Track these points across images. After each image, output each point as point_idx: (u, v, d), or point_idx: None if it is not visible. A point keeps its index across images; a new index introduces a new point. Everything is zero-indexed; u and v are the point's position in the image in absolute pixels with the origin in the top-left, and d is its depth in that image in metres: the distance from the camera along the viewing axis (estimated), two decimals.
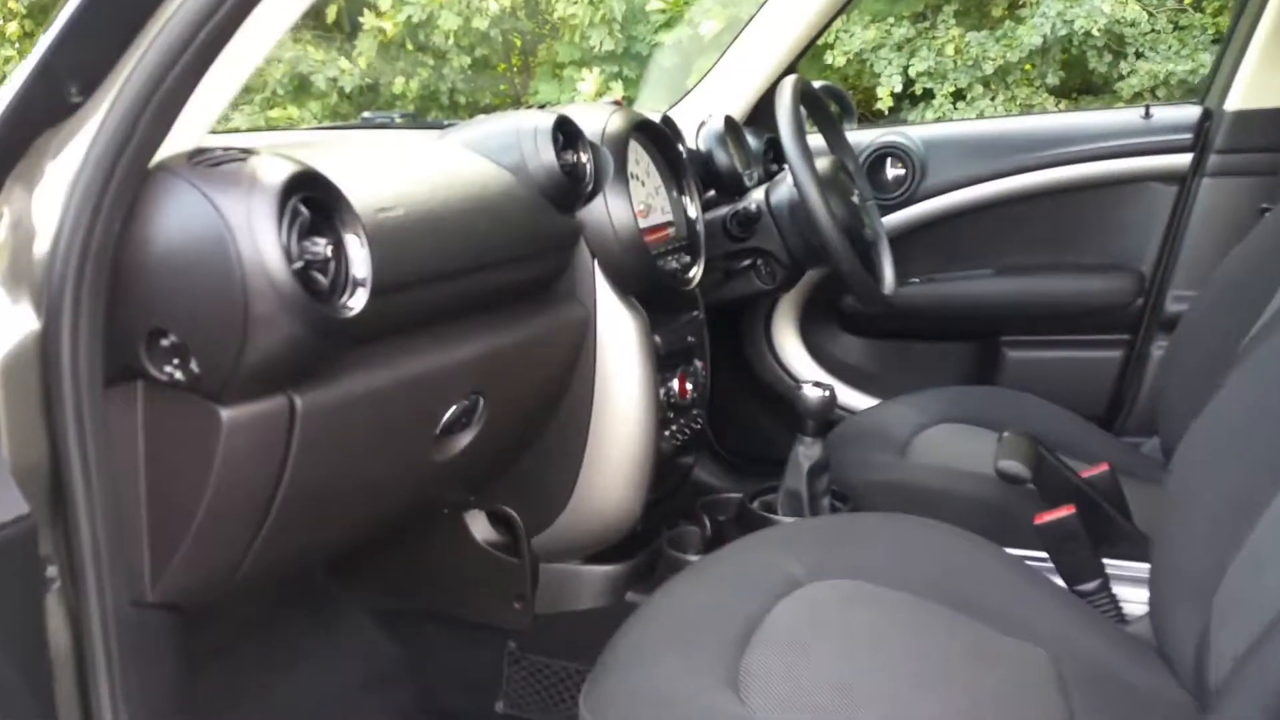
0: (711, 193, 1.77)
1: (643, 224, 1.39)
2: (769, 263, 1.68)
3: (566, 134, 1.26)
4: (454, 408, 1.11)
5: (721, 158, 1.68)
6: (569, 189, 1.23)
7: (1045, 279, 2.02)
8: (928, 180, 2.01)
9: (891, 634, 1.06)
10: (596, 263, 1.32)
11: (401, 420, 1.04)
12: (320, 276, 0.83)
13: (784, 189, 1.66)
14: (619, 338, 1.33)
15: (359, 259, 0.87)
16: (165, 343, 0.82)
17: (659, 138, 1.47)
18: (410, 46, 5.97)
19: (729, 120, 1.75)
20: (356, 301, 0.86)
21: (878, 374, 2.14)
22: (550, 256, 1.25)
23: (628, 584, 1.47)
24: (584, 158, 1.28)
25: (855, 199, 1.65)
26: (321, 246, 0.83)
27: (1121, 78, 5.73)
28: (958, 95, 5.98)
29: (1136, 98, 5.56)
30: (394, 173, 1.08)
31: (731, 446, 2.24)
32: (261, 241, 0.78)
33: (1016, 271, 2.03)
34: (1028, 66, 5.93)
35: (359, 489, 1.04)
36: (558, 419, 1.36)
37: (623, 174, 1.30)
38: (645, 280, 1.34)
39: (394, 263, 0.95)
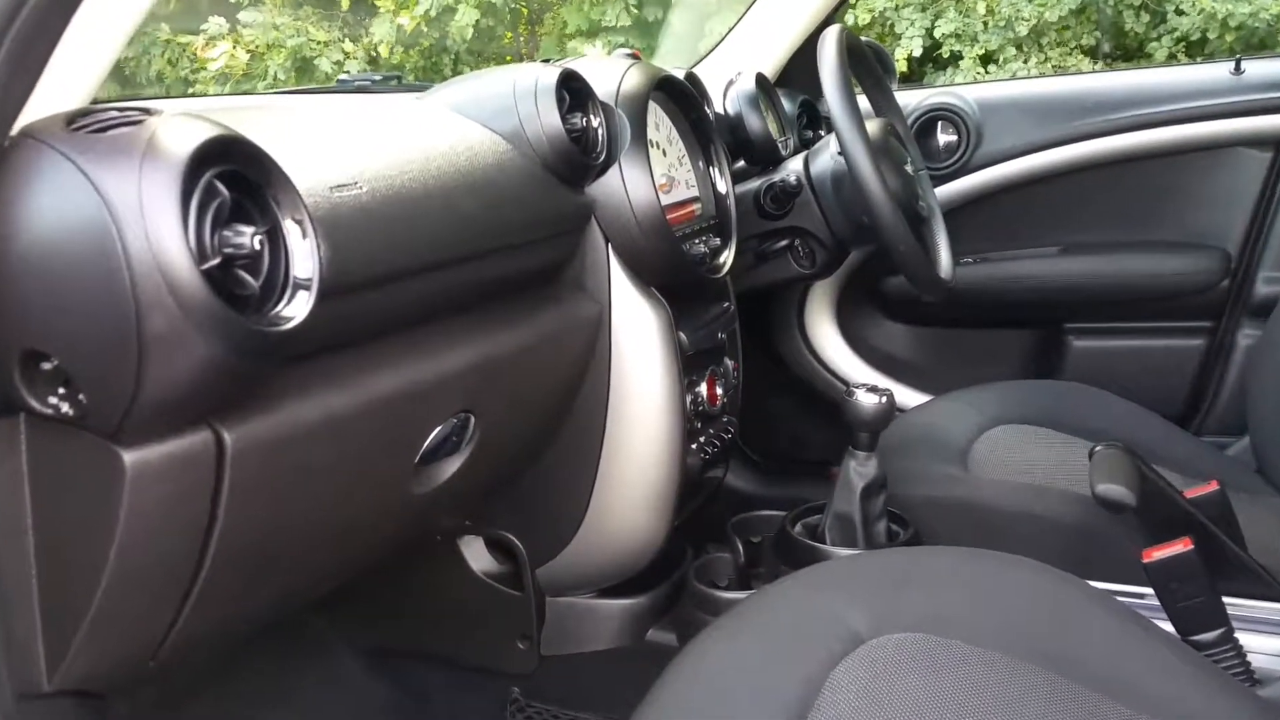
0: (741, 163, 1.56)
1: (664, 201, 1.18)
2: (808, 244, 1.47)
3: (574, 93, 1.05)
4: (438, 430, 0.91)
5: (754, 122, 1.47)
6: (577, 159, 1.02)
7: (1117, 258, 1.80)
8: (983, 147, 1.79)
9: (978, 704, 0.86)
10: (611, 248, 1.11)
11: (370, 450, 0.85)
12: (247, 278, 0.63)
13: (826, 158, 1.44)
14: (638, 337, 1.13)
15: (301, 252, 0.66)
16: (46, 367, 0.62)
17: (683, 98, 1.26)
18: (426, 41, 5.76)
19: (761, 79, 1.53)
20: (297, 309, 0.65)
21: (926, 367, 1.93)
22: (554, 242, 1.04)
23: (649, 620, 1.28)
24: (595, 121, 1.07)
25: (909, 168, 1.43)
26: (247, 237, 0.62)
27: (1158, 38, 5.45)
28: (986, 59, 5.72)
29: (1181, 47, 5.27)
30: (357, 141, 0.88)
31: (761, 449, 2.05)
32: (158, 233, 0.58)
33: (1084, 250, 1.81)
34: (1062, 28, 5.66)
35: (316, 536, 0.85)
36: (566, 433, 1.16)
37: (642, 141, 1.10)
38: (669, 268, 1.13)
39: (353, 255, 0.76)
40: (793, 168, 1.46)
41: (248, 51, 5.62)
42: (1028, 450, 1.42)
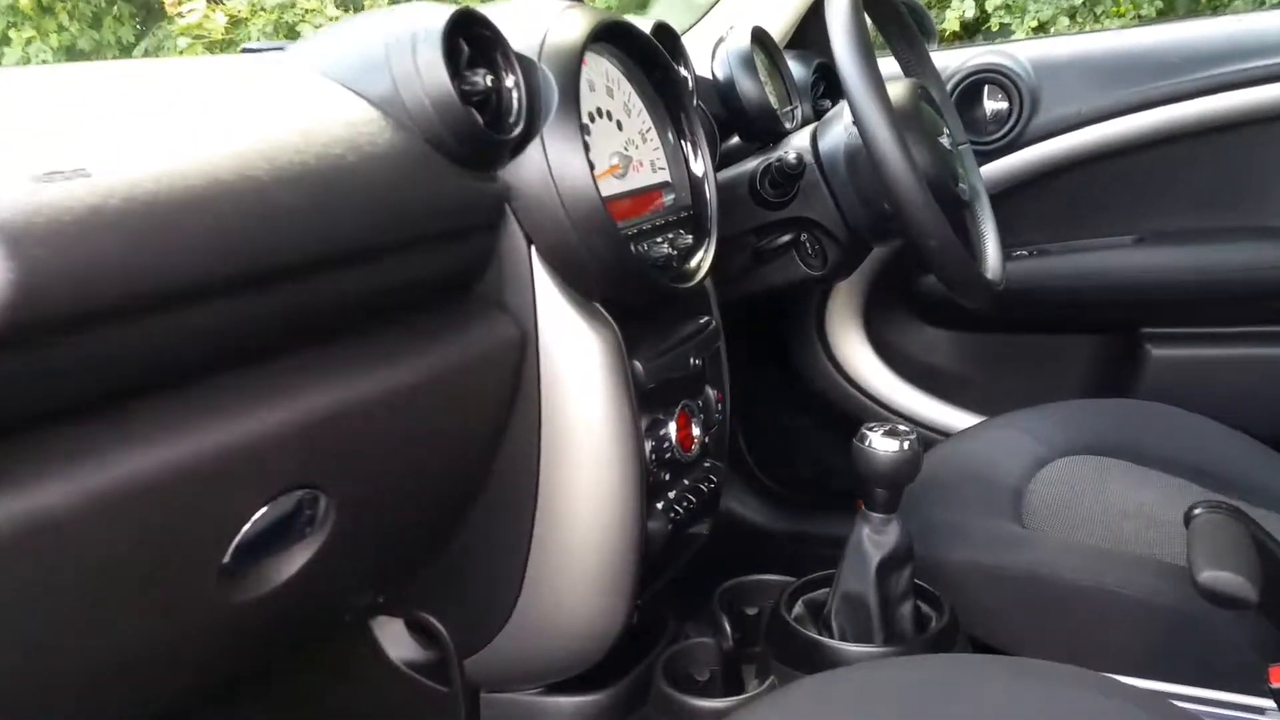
0: (735, 140, 1.28)
1: (616, 187, 0.91)
2: (817, 238, 1.19)
3: (476, 43, 0.78)
4: (262, 514, 0.65)
5: (749, 88, 1.19)
6: (476, 133, 0.76)
7: (1206, 249, 1.49)
8: (1040, 116, 1.49)
9: None
10: (535, 252, 0.84)
11: (144, 550, 0.59)
12: None
13: (838, 130, 1.16)
14: (575, 368, 0.86)
15: None
16: None
17: (645, 54, 0.98)
18: None
19: (761, 34, 1.25)
20: None
21: (973, 381, 1.63)
22: (447, 246, 0.78)
23: None
24: (508, 81, 0.80)
25: (945, 142, 1.14)
26: None
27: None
28: (1039, 30, 5.32)
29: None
30: (115, 115, 0.62)
31: (779, 475, 1.77)
32: None
33: (1165, 240, 1.50)
34: None
35: (74, 676, 0.59)
36: (490, 494, 0.90)
37: (573, 107, 0.82)
38: (614, 277, 0.86)
39: (71, 273, 0.50)
40: (797, 143, 1.18)
41: (228, 15, 5.41)
42: (1101, 492, 1.14)
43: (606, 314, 0.88)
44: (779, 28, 1.48)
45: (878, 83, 1.00)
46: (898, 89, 1.11)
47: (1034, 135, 1.49)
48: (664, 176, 1.02)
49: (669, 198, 1.02)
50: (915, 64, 1.28)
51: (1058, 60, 1.50)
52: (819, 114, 1.38)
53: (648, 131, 1.01)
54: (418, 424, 0.77)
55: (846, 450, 1.74)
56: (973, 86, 1.51)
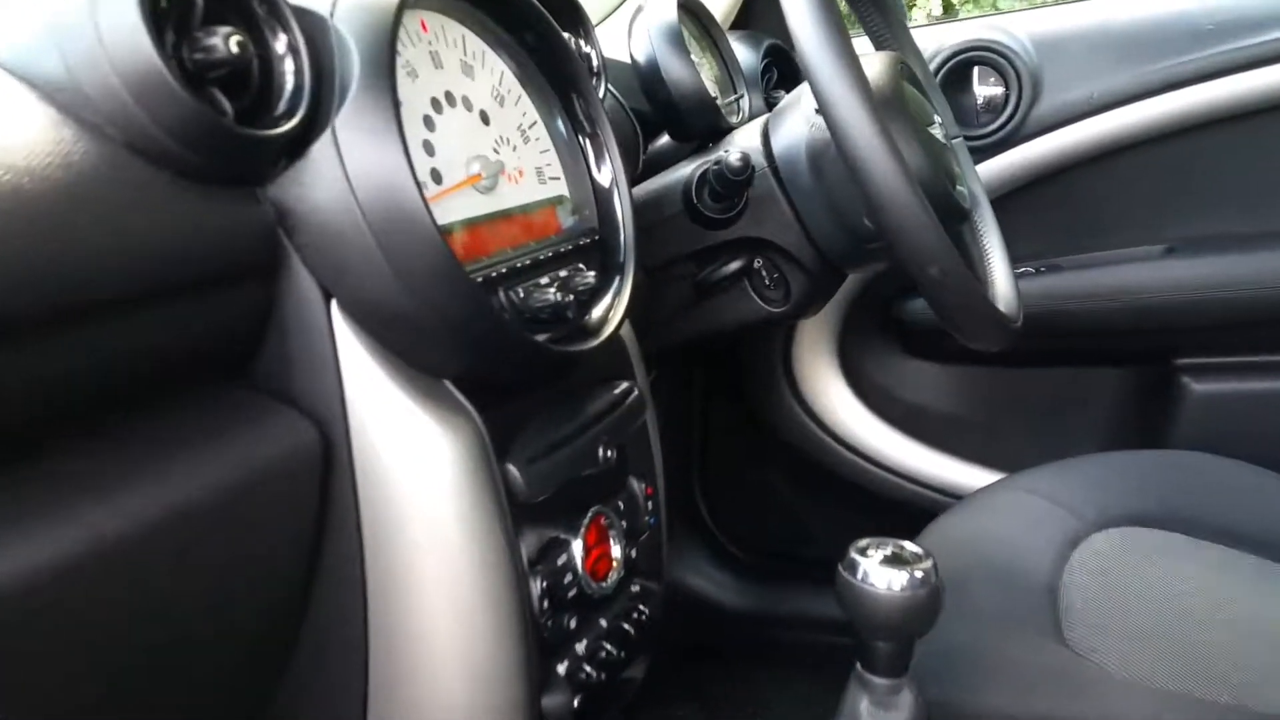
0: (665, 140, 0.99)
1: (477, 206, 0.63)
2: (775, 264, 0.91)
3: None
4: None
5: (677, 70, 0.91)
6: (213, 129, 0.47)
7: (1252, 259, 1.23)
8: (1043, 103, 1.23)
9: None
10: (334, 308, 0.55)
11: None
12: None
13: (797, 122, 0.88)
14: (410, 485, 0.57)
15: None
16: None
17: (520, 18, 0.69)
18: None
19: (688, 6, 0.96)
20: None
21: (972, 423, 1.36)
22: (179, 308, 0.48)
23: None
24: (277, 46, 0.51)
25: (937, 133, 0.86)
26: None
27: None
28: None
29: None
30: None
31: (743, 540, 1.49)
32: None
33: (1202, 249, 1.24)
34: None
35: None
36: (293, 681, 0.60)
37: (384, 83, 0.53)
38: (468, 343, 0.57)
39: None
40: (742, 142, 0.90)
41: None
42: (1155, 582, 0.90)
43: (461, 397, 0.59)
44: (719, 6, 1.20)
45: (848, 53, 0.72)
46: (874, 64, 0.83)
47: (1036, 126, 1.23)
48: (558, 189, 0.73)
49: (567, 219, 0.73)
50: (890, 37, 1.00)
51: (1063, 34, 1.23)
52: (770, 104, 1.10)
53: (531, 127, 0.72)
54: (163, 589, 0.47)
55: (822, 509, 1.48)
56: (959, 68, 1.24)
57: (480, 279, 0.59)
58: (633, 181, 0.94)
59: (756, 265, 0.92)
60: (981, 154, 1.21)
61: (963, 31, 1.24)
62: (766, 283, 0.93)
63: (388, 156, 0.52)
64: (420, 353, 0.57)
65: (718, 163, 0.84)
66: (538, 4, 0.68)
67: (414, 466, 0.56)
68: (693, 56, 0.95)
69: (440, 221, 0.59)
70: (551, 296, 0.63)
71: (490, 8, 0.67)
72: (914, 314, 1.31)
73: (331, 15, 0.54)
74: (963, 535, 0.99)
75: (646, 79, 0.92)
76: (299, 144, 0.52)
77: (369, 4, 0.55)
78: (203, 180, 0.49)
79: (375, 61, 0.53)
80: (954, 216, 0.86)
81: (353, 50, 0.53)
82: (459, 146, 0.64)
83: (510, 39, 0.70)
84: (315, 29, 0.54)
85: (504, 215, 0.66)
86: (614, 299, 0.68)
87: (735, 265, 0.91)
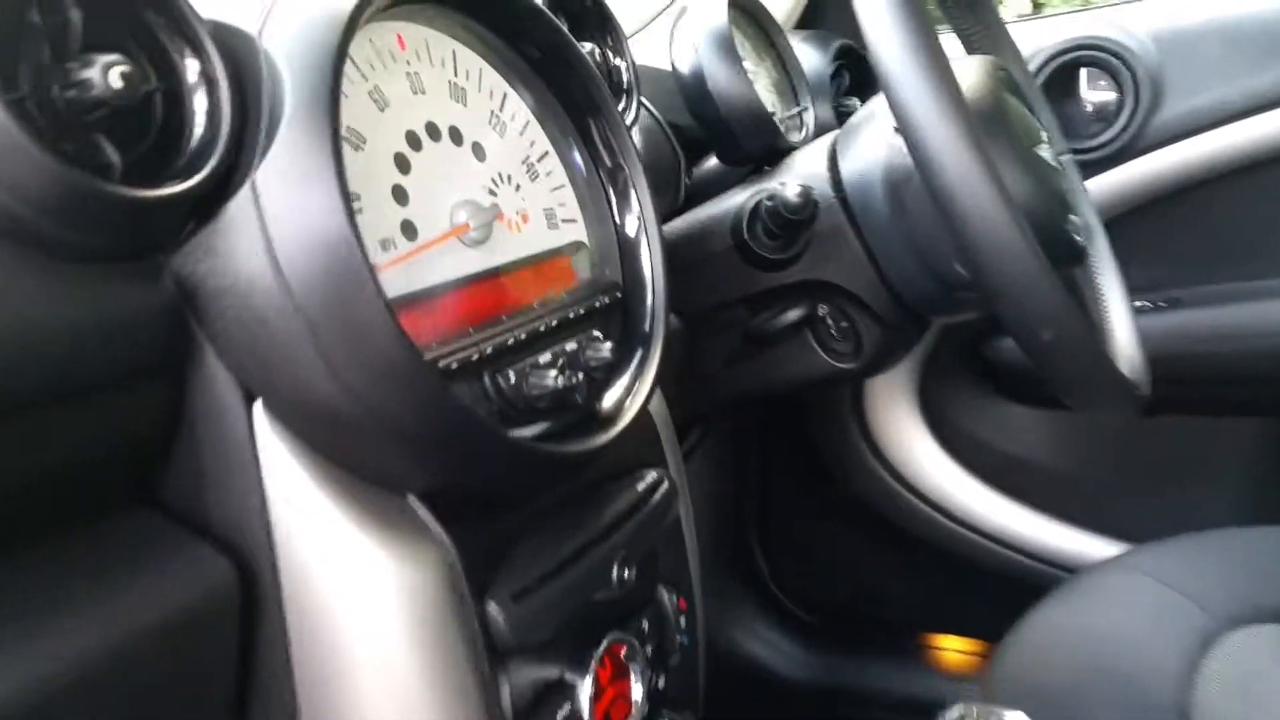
0: (713, 162, 0.86)
1: (464, 264, 0.51)
2: (845, 312, 0.78)
3: (95, 4, 0.38)
4: None
5: (727, 82, 0.78)
6: (83, 191, 0.36)
7: None
8: (1164, 110, 1.07)
9: None
10: (258, 412, 0.43)
11: None
12: None
13: (873, 143, 0.74)
14: (356, 633, 0.45)
15: None
16: None
17: (521, 26, 0.57)
18: None
19: (742, 5, 0.83)
20: None
21: (1077, 480, 1.20)
22: (55, 417, 0.37)
23: None
24: (188, 73, 0.40)
25: (1046, 154, 0.72)
26: None
27: None
28: None
29: None
30: None
31: (803, 595, 1.35)
32: None
33: None
34: None
35: None
36: None
37: (324, 118, 0.41)
38: (432, 450, 0.45)
39: None
40: (804, 167, 0.76)
41: None
42: None
43: (426, 516, 0.47)
44: (781, 5, 1.07)
45: (935, 57, 0.58)
46: (968, 71, 0.69)
47: (1156, 137, 1.07)
48: (574, 234, 0.60)
49: (585, 270, 0.60)
50: (985, 38, 0.86)
51: (1190, 28, 1.07)
52: (841, 116, 0.96)
53: (540, 160, 0.59)
54: None
55: (900, 572, 1.33)
56: (1064, 71, 1.08)
57: (455, 364, 0.47)
58: (673, 212, 0.82)
59: (821, 312, 0.79)
60: (1089, 170, 1.06)
61: (1067, 28, 1.09)
62: (833, 333, 0.79)
63: (323, 216, 0.40)
64: (370, 464, 0.45)
65: (771, 197, 0.70)
66: (543, 8, 0.56)
67: (360, 611, 0.45)
68: (746, 64, 0.82)
69: (412, 288, 0.48)
70: (552, 382, 0.50)
71: (484, 16, 0.55)
72: (1009, 351, 1.16)
73: (260, 34, 0.43)
74: (1070, 631, 0.85)
75: (691, 93, 0.79)
76: (212, 202, 0.41)
77: (312, 15, 0.43)
78: (82, 259, 0.38)
79: (312, 91, 0.41)
80: (1068, 258, 0.72)
81: (284, 78, 0.42)
82: (442, 190, 0.52)
83: (513, 54, 0.58)
84: (240, 52, 0.42)
85: (499, 273, 0.54)
86: (635, 380, 0.56)
87: (795, 314, 0.78)
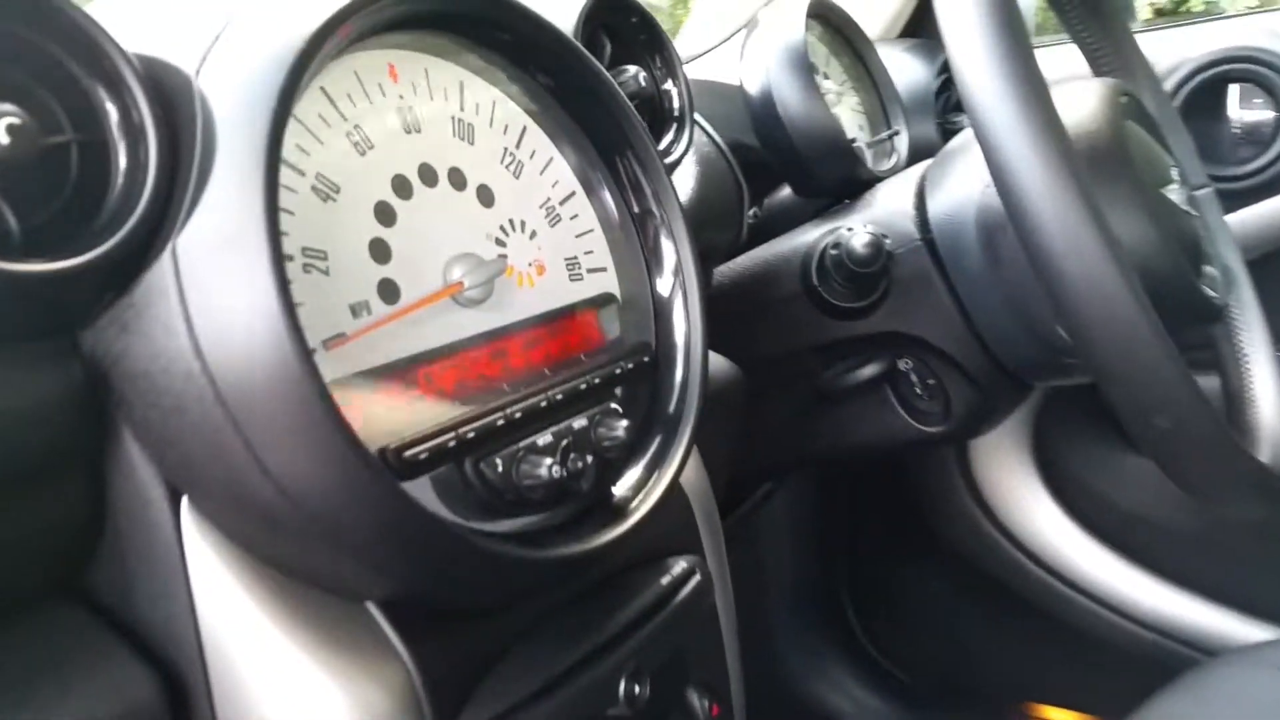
0: (786, 192, 0.78)
1: (438, 336, 0.44)
2: (930, 368, 0.68)
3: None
4: None
5: (800, 106, 0.69)
6: None
7: None
8: None
9: None
10: (185, 510, 0.37)
11: None
12: None
13: (965, 177, 0.65)
14: None
15: None
16: None
17: (531, 50, 0.50)
18: None
19: (823, 9, 0.75)
20: None
21: (1221, 552, 1.06)
22: None
23: None
24: (111, 125, 0.35)
25: (1175, 196, 0.61)
26: None
27: None
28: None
29: None
30: None
31: (898, 652, 1.25)
32: None
33: None
34: None
35: None
36: None
37: (261, 172, 0.35)
38: (378, 561, 0.38)
39: None
40: (889, 201, 0.67)
41: None
42: None
43: (386, 628, 0.41)
44: (883, 10, 0.97)
45: (1034, 86, 0.49)
46: (1081, 99, 0.59)
47: None
48: (602, 285, 0.54)
49: (612, 326, 0.53)
50: (1112, 54, 0.75)
51: None
52: (947, 136, 0.86)
53: (564, 202, 0.53)
54: None
55: (1010, 638, 1.21)
56: (1209, 88, 0.95)
57: (425, 453, 0.40)
58: (737, 249, 0.74)
59: (904, 367, 0.70)
60: (1235, 201, 0.93)
61: (1215, 37, 0.96)
62: (917, 390, 0.70)
63: (250, 290, 0.34)
64: (318, 572, 0.39)
65: (837, 244, 0.62)
66: (560, 30, 0.49)
67: None
68: (827, 84, 0.73)
69: (385, 359, 0.42)
70: (546, 472, 0.43)
71: (494, 41, 0.49)
72: None
73: (198, 72, 0.37)
74: (1210, 712, 0.73)
75: (759, 117, 0.71)
76: (130, 270, 0.35)
77: (258, 51, 0.38)
78: None
79: (246, 143, 0.35)
80: (1200, 317, 0.61)
81: (216, 127, 0.36)
82: (435, 243, 0.46)
83: (534, 83, 0.52)
84: (174, 96, 0.37)
85: (502, 335, 0.47)
86: (654, 468, 0.48)
87: (872, 369, 0.69)
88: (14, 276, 0.32)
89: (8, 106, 0.32)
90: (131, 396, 0.36)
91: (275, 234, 0.35)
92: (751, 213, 0.80)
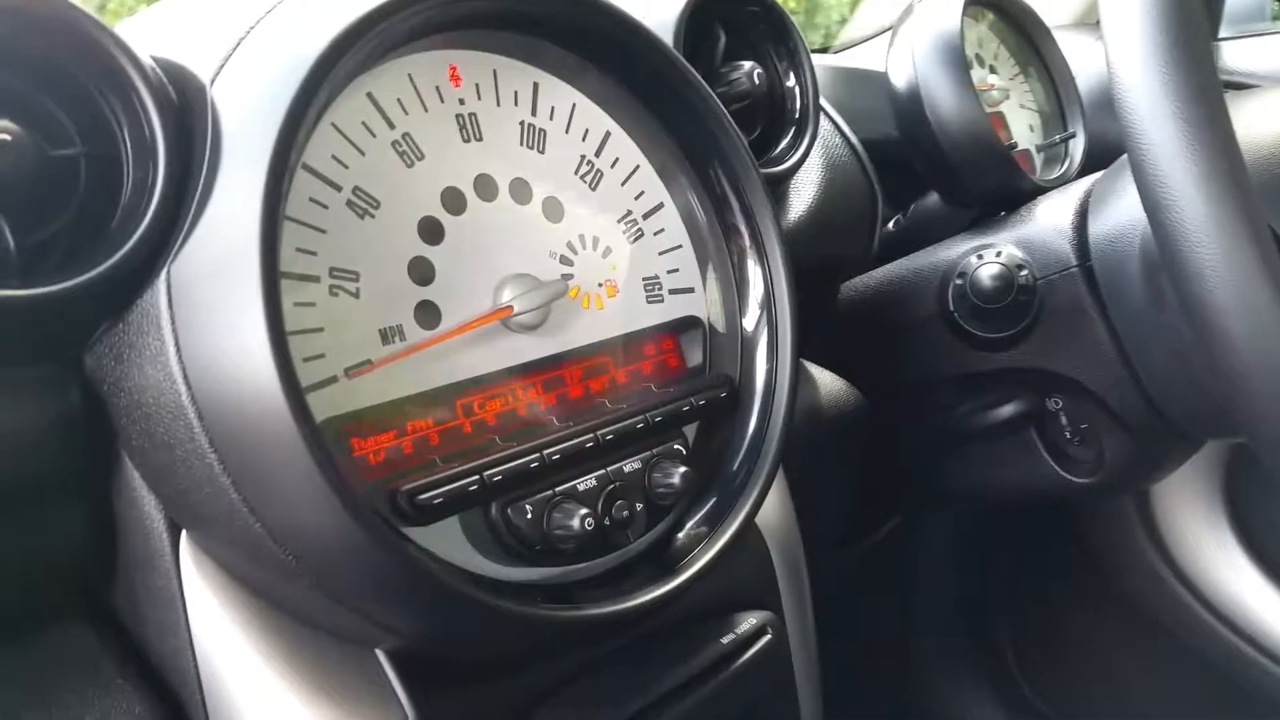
0: (933, 198, 0.70)
1: (479, 364, 0.42)
2: (1081, 411, 0.60)
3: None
4: None
5: (950, 106, 0.62)
6: None
7: None
8: None
9: None
10: (184, 545, 0.36)
11: None
12: None
13: (1134, 199, 0.55)
14: None
15: None
16: None
17: (609, 46, 0.46)
18: None
19: (993, 2, 0.66)
20: None
21: None
22: None
23: None
24: (127, 138, 0.34)
25: None
26: None
27: None
28: None
29: None
30: None
31: (1056, 694, 1.15)
32: None
33: None
34: None
35: None
36: None
37: (264, 191, 0.33)
38: (381, 611, 0.36)
39: None
40: (1046, 218, 0.59)
41: None
42: None
43: (392, 677, 0.38)
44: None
45: (1207, 103, 0.40)
46: (1268, 117, 0.49)
47: None
48: (687, 307, 0.49)
49: (695, 354, 0.49)
50: None
51: None
52: None
53: (649, 215, 0.49)
54: None
55: (1180, 691, 1.09)
56: None
57: (440, 499, 0.37)
58: (870, 262, 0.67)
59: (1053, 407, 0.62)
60: None
61: None
62: (1068, 434, 0.62)
63: (239, 322, 0.32)
64: (319, 618, 0.37)
65: (961, 274, 0.54)
66: (635, 23, 0.44)
67: None
68: (993, 79, 0.65)
69: (409, 390, 0.39)
70: (578, 524, 0.39)
71: (564, 37, 0.44)
72: None
73: (214, 81, 0.35)
74: None
75: (905, 116, 0.64)
76: (129, 294, 0.34)
77: (278, 54, 0.35)
78: None
79: (249, 153, 0.33)
80: None
81: (224, 137, 0.34)
82: (486, 263, 0.42)
83: (619, 85, 0.47)
84: (189, 105, 0.35)
85: (559, 362, 0.44)
86: (714, 525, 0.44)
87: (1012, 409, 0.61)
88: (6, 301, 0.31)
89: (4, 123, 0.31)
90: (127, 426, 0.35)
91: (270, 258, 0.32)
92: (894, 220, 0.72)
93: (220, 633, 0.37)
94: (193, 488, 0.34)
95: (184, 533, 0.37)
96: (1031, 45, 0.70)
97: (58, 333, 0.34)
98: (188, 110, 0.35)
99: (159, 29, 0.39)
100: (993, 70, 0.68)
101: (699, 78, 0.46)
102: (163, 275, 0.33)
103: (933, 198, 0.70)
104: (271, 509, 0.33)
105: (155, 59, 0.35)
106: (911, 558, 1.10)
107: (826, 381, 0.67)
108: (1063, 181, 0.65)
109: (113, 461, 0.36)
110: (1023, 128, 0.69)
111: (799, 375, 0.47)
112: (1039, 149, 0.69)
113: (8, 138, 0.31)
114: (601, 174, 0.48)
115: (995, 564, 1.16)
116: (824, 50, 0.93)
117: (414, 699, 0.38)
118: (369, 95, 0.40)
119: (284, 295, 0.35)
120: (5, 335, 0.33)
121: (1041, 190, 0.64)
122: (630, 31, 0.45)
